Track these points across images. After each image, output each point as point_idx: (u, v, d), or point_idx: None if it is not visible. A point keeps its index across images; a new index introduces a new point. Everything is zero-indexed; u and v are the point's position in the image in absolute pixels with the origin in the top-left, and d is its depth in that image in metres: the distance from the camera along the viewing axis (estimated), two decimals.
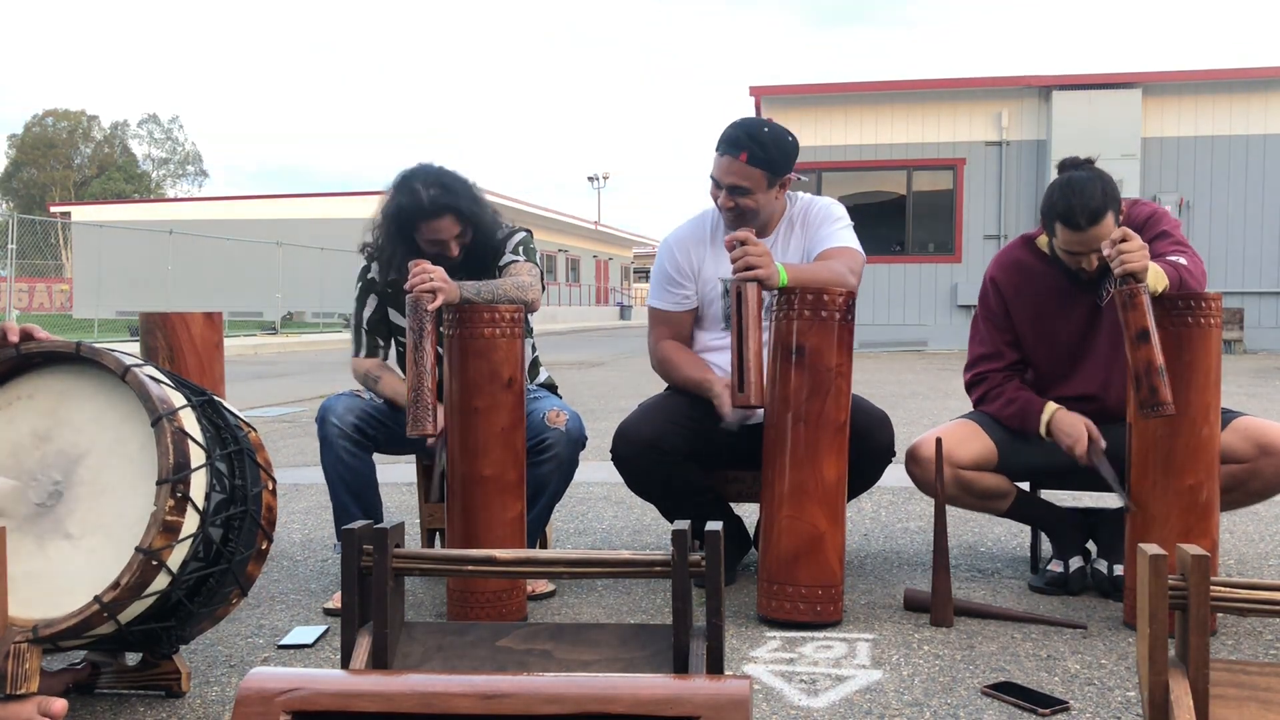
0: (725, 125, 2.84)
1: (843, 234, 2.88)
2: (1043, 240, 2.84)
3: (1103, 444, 2.67)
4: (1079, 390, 2.82)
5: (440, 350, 2.60)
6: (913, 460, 2.81)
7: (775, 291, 2.53)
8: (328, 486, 2.82)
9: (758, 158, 2.76)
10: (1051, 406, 2.75)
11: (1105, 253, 2.34)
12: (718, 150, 2.81)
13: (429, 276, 2.46)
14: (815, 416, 2.49)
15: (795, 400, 2.50)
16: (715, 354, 2.95)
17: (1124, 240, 2.31)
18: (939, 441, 2.65)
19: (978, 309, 2.98)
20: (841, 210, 2.95)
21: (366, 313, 2.97)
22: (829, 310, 2.49)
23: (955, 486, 2.77)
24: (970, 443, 2.79)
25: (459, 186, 2.79)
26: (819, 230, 2.89)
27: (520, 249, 2.87)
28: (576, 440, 2.79)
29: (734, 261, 2.48)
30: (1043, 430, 2.75)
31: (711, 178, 2.84)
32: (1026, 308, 2.85)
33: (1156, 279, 2.41)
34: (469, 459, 2.50)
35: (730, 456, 2.90)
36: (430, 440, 2.66)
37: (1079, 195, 2.57)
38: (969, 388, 2.96)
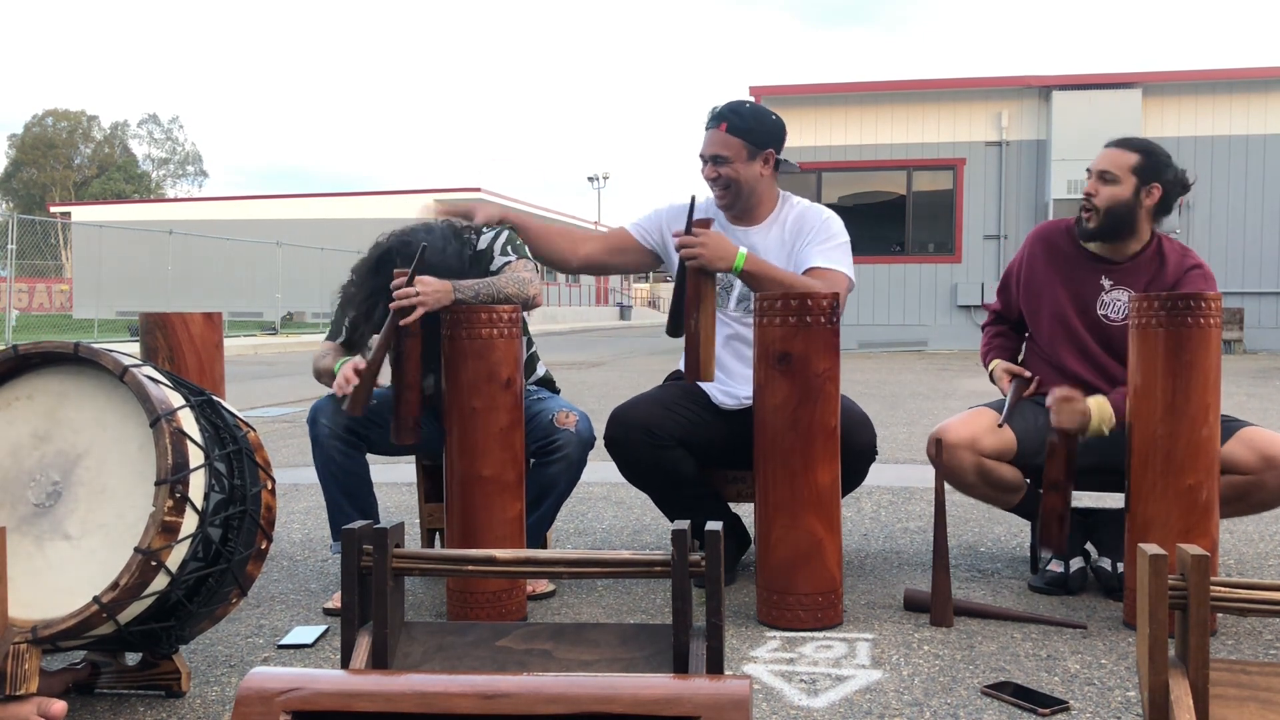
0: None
1: (833, 254, 2.85)
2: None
3: (1026, 375, 2.92)
4: (1075, 372, 2.84)
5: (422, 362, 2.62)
6: (940, 446, 2.75)
7: (756, 293, 2.64)
8: (321, 487, 2.82)
9: (736, 127, 2.87)
10: (994, 363, 3.03)
11: (1047, 402, 2.62)
12: (704, 128, 2.95)
13: (411, 292, 2.52)
14: (806, 423, 2.48)
15: (785, 408, 2.49)
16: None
17: (1066, 400, 2.58)
18: (939, 444, 2.66)
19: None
20: (840, 227, 2.92)
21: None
22: (814, 315, 2.48)
23: (976, 474, 2.78)
24: (995, 432, 2.80)
25: (440, 259, 2.69)
26: (811, 242, 2.88)
27: (509, 248, 2.84)
28: (586, 441, 2.79)
29: (678, 250, 2.67)
30: (989, 375, 3.06)
31: (700, 156, 2.94)
32: (1041, 274, 2.95)
33: (1102, 420, 2.62)
34: (468, 459, 2.50)
35: (723, 449, 2.90)
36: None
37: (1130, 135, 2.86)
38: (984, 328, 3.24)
